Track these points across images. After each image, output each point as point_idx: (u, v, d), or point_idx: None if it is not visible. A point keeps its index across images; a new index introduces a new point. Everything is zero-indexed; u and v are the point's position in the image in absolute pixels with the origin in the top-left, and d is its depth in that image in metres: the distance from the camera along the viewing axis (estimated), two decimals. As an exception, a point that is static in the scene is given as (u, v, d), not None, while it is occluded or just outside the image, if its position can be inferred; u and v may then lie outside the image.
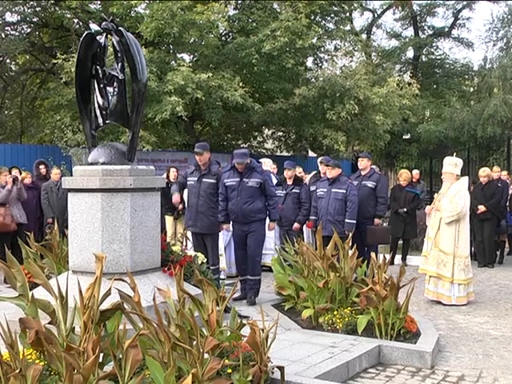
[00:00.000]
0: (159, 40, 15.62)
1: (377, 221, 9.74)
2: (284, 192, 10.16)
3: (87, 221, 6.27)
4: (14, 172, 10.67)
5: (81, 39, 6.68)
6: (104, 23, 6.58)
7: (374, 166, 14.36)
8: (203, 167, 8.26)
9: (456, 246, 8.27)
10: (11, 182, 10.03)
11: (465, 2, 25.58)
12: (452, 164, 8.50)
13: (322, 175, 10.24)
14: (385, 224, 14.89)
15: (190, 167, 8.76)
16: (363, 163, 10.01)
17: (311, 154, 21.84)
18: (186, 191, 11.37)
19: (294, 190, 10.17)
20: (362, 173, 10.01)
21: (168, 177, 11.80)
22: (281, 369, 4.48)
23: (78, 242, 6.35)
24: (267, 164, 11.09)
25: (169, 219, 11.65)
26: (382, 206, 9.83)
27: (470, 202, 8.61)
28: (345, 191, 9.13)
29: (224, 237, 10.19)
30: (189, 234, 9.85)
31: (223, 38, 17.22)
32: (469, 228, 8.63)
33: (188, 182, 8.44)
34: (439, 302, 8.31)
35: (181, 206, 11.71)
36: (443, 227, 8.34)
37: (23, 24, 18.10)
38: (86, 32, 6.92)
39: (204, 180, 8.21)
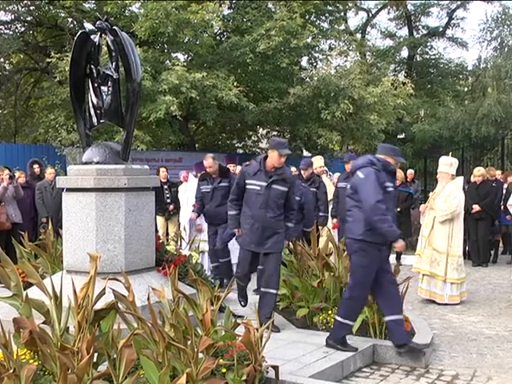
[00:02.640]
0: (154, 39, 15.61)
1: None
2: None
3: (81, 220, 6.25)
4: (6, 172, 10.62)
5: (75, 38, 6.67)
6: (98, 22, 6.58)
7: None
8: (273, 169, 6.46)
9: (449, 244, 8.30)
10: (7, 179, 10.00)
11: (459, 2, 25.70)
12: (447, 164, 8.51)
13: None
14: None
15: (250, 165, 6.67)
16: (350, 166, 9.83)
17: (306, 153, 21.86)
18: (181, 190, 11.46)
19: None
20: (351, 175, 9.84)
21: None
22: (275, 368, 4.48)
23: (73, 241, 6.34)
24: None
25: (160, 219, 11.62)
26: None
27: (464, 202, 8.63)
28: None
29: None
30: (183, 234, 9.86)
31: (218, 38, 17.24)
32: (462, 227, 8.66)
33: (248, 186, 6.50)
34: (433, 301, 8.32)
35: (172, 207, 11.71)
36: (437, 226, 8.37)
37: (17, 23, 18.07)
38: (80, 31, 6.91)
39: (274, 187, 6.43)
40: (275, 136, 21.48)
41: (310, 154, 20.53)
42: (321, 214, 9.86)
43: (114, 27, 6.48)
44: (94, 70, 6.58)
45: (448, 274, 8.25)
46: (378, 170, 5.63)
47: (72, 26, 17.40)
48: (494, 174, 12.67)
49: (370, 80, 18.53)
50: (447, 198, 8.31)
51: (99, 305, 4.50)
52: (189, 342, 4.19)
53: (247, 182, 6.47)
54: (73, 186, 6.36)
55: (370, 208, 5.43)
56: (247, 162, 6.79)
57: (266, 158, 6.47)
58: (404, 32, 27.00)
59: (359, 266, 5.59)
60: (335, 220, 10.08)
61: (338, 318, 5.70)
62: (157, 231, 10.75)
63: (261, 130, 21.46)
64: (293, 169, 11.71)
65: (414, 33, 26.36)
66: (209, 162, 8.83)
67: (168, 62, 15.78)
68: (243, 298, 6.86)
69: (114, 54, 6.52)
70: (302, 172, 10.13)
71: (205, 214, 9.18)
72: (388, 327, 5.72)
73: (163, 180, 11.64)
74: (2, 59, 17.48)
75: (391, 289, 5.69)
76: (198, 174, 10.38)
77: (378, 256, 5.56)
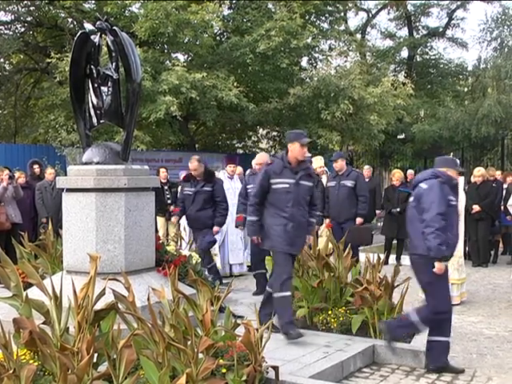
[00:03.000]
0: (153, 39, 15.61)
1: (359, 220, 9.40)
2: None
3: (81, 220, 6.25)
4: (6, 172, 10.62)
5: (75, 38, 6.68)
6: (98, 22, 6.58)
7: (368, 167, 14.34)
8: (297, 164, 6.18)
9: (450, 245, 8.28)
10: (7, 179, 10.01)
11: (459, 2, 25.69)
12: (449, 164, 8.49)
13: None
14: (379, 224, 14.95)
15: (272, 163, 6.27)
16: (338, 164, 9.65)
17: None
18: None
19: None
20: (339, 173, 9.69)
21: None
22: (275, 368, 4.48)
23: (73, 241, 6.34)
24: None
25: (160, 220, 11.60)
26: (364, 204, 9.48)
27: (464, 202, 8.63)
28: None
29: (218, 236, 10.18)
30: (183, 234, 9.85)
31: (218, 38, 17.24)
32: (463, 228, 8.65)
33: (275, 186, 6.09)
34: (433, 302, 8.31)
35: (172, 207, 11.69)
36: (438, 227, 8.34)
37: (17, 23, 18.08)
38: (80, 31, 6.92)
39: (302, 182, 6.16)
40: (276, 137, 21.53)
41: (309, 155, 20.53)
42: (317, 213, 9.80)
43: (114, 27, 6.49)
44: (94, 71, 6.58)
45: (449, 274, 8.23)
46: (442, 183, 5.42)
47: (72, 26, 17.40)
48: (493, 174, 12.68)
49: (370, 80, 18.53)
50: (448, 198, 8.30)
51: (99, 305, 4.49)
52: (189, 343, 4.19)
53: (273, 181, 6.07)
54: (73, 187, 6.36)
55: (429, 218, 5.25)
56: (269, 162, 6.33)
57: (286, 153, 6.17)
58: (404, 32, 27.03)
59: (430, 283, 5.42)
60: (328, 220, 9.89)
61: (435, 339, 5.44)
62: (157, 231, 10.74)
63: (261, 130, 21.46)
64: None
65: (414, 33, 26.35)
66: (194, 164, 8.54)
67: (168, 62, 15.77)
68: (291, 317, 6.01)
69: (113, 54, 6.52)
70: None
71: (186, 218, 8.92)
72: (429, 346, 5.48)
73: (163, 180, 11.59)
74: (2, 59, 17.49)
75: None
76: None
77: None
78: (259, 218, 6.15)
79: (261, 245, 6.29)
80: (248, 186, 8.45)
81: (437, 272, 5.30)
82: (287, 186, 6.03)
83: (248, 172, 9.53)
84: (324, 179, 10.72)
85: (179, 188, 11.62)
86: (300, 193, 6.10)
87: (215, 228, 8.57)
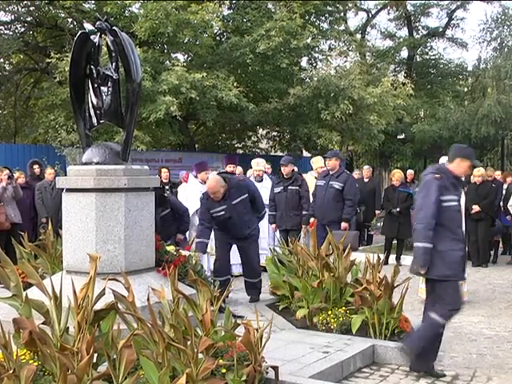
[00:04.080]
0: (153, 39, 15.63)
1: (343, 225, 9.03)
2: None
3: (81, 221, 6.25)
4: (5, 172, 10.62)
5: (75, 39, 6.66)
6: (98, 23, 6.57)
7: (367, 167, 14.29)
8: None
9: (450, 245, 8.27)
10: (6, 179, 10.01)
11: (459, 3, 25.71)
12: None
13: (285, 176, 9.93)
14: (379, 224, 14.96)
15: (441, 178, 5.29)
16: (331, 163, 9.35)
17: (306, 153, 21.88)
18: (180, 191, 11.43)
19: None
20: (331, 172, 9.40)
21: (160, 177, 11.77)
22: (275, 368, 4.47)
23: (72, 241, 6.34)
24: (261, 164, 11.05)
25: None
26: (350, 208, 9.14)
27: (464, 202, 8.63)
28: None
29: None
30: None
31: (217, 38, 17.26)
32: (463, 228, 8.63)
33: (447, 203, 5.25)
34: (433, 302, 8.31)
35: None
36: (437, 227, 8.34)
37: (17, 23, 18.10)
38: (80, 31, 6.91)
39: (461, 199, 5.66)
40: (276, 137, 21.50)
41: (309, 155, 20.55)
42: (304, 212, 9.71)
43: (114, 28, 6.47)
44: (94, 71, 6.57)
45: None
46: None
47: (72, 26, 17.42)
48: (491, 174, 12.68)
49: (370, 80, 18.56)
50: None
51: (99, 305, 4.49)
52: (189, 343, 4.19)
53: (444, 198, 5.24)
54: (72, 187, 6.35)
55: None
56: (437, 175, 5.31)
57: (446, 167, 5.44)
58: (404, 32, 27.05)
59: None
60: (312, 219, 9.57)
61: None
62: (157, 231, 10.70)
63: (260, 130, 21.48)
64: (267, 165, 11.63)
65: (414, 33, 26.37)
66: None
67: (168, 62, 15.79)
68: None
69: (113, 54, 6.51)
70: (282, 169, 9.89)
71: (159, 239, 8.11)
72: None
73: (165, 180, 11.65)
74: (1, 59, 17.50)
75: None
76: (198, 175, 10.34)
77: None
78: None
79: (426, 274, 5.29)
80: (212, 211, 7.51)
81: None
82: (456, 203, 5.34)
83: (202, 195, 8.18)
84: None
85: (179, 188, 11.62)
86: (461, 210, 5.55)
87: (179, 236, 8.49)
